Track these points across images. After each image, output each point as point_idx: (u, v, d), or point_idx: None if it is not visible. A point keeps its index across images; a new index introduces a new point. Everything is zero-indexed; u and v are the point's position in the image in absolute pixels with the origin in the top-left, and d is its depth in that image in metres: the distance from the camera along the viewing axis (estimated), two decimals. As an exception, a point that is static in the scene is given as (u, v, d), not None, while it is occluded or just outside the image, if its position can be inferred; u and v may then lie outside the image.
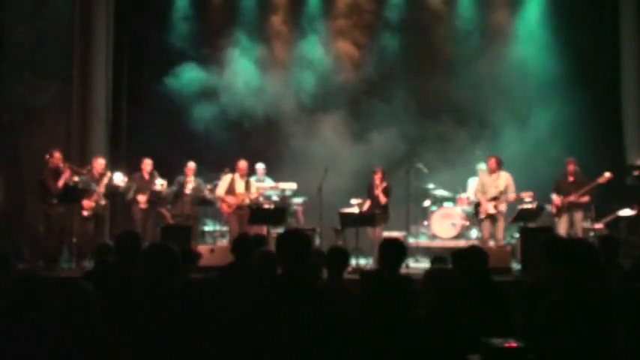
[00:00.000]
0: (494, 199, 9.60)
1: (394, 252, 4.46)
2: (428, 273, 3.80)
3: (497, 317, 3.87)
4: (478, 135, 11.48)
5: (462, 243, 10.31)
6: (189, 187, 10.11)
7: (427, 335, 3.26)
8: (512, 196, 9.61)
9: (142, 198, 9.85)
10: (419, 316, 3.42)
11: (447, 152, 11.43)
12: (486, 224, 9.67)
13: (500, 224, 9.64)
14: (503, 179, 9.69)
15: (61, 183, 8.96)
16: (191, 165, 10.30)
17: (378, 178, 10.01)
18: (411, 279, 4.38)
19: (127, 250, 4.34)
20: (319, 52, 12.21)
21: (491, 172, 9.74)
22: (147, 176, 10.03)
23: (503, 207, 9.65)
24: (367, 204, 10.00)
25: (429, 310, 3.53)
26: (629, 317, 3.39)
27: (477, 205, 9.80)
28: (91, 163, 9.65)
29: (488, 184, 9.72)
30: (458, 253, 4.35)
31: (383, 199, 9.90)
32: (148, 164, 10.09)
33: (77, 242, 9.20)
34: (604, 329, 3.08)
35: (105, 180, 9.48)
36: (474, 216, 10.12)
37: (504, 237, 10.01)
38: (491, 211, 9.56)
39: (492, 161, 9.73)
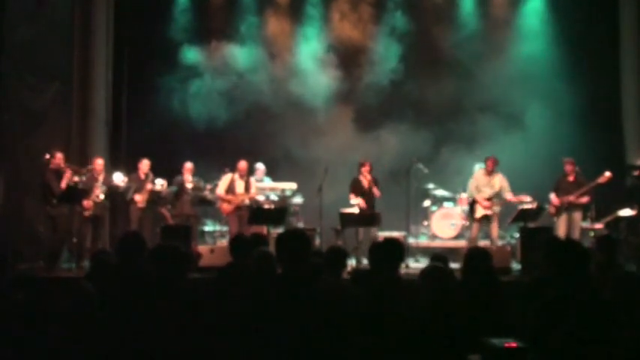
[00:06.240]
0: (489, 199, 9.63)
1: (392, 252, 4.44)
2: (424, 271, 3.79)
3: (497, 317, 3.87)
4: (478, 134, 11.47)
5: (462, 243, 10.33)
6: (188, 187, 10.12)
7: (427, 335, 3.27)
8: (508, 196, 9.62)
9: (138, 198, 9.86)
10: (418, 316, 3.42)
11: (451, 152, 11.44)
12: (477, 224, 9.72)
13: (495, 224, 9.68)
14: (498, 180, 9.73)
15: (63, 184, 8.98)
16: (188, 165, 10.30)
17: (366, 170, 9.80)
18: (402, 279, 4.34)
19: (130, 250, 4.33)
20: (321, 47, 12.16)
21: (489, 172, 9.76)
22: (142, 176, 10.03)
23: (497, 207, 9.69)
24: (362, 202, 9.72)
25: (428, 310, 3.53)
26: (628, 317, 3.38)
27: (472, 203, 9.82)
28: (91, 163, 9.67)
29: (483, 183, 9.76)
30: (469, 254, 4.38)
31: (377, 193, 9.79)
32: (145, 165, 10.08)
33: (77, 242, 9.20)
34: (597, 330, 3.07)
35: (101, 179, 9.46)
36: (469, 214, 10.13)
37: (500, 237, 10.05)
38: (487, 212, 9.60)
39: (490, 162, 9.76)
